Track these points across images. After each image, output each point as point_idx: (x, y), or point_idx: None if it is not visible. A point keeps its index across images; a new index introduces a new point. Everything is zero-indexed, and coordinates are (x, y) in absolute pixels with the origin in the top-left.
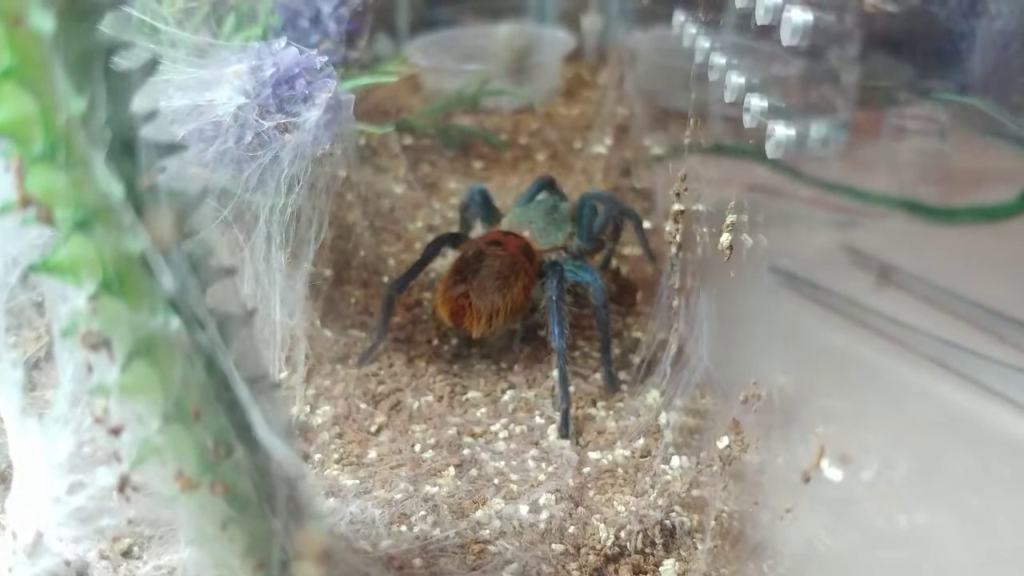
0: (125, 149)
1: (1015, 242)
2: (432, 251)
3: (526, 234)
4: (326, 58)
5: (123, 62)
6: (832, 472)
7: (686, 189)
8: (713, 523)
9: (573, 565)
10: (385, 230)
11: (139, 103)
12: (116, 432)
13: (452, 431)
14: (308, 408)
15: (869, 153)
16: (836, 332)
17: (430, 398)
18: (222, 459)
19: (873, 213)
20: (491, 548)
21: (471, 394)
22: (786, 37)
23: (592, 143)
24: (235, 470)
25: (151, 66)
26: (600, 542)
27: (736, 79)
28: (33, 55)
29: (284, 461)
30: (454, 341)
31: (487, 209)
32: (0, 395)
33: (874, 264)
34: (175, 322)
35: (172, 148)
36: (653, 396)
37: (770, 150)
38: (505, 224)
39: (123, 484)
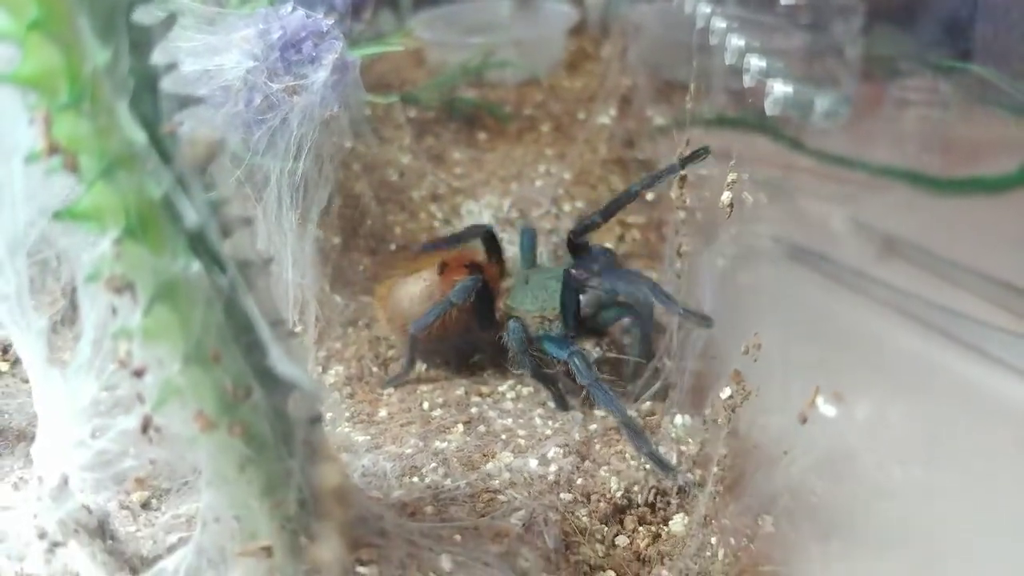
0: (147, 98)
1: (1016, 212)
2: (466, 233)
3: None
4: (332, 21)
5: (144, 16)
6: (826, 409)
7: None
8: (716, 469)
9: (583, 512)
10: (390, 200)
11: (158, 56)
12: (139, 374)
13: (460, 391)
14: (320, 369)
15: (872, 125)
16: (836, 297)
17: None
18: (240, 400)
19: (876, 185)
20: (500, 497)
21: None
22: None
23: (596, 114)
24: (253, 411)
25: (170, 21)
26: (610, 491)
27: (736, 41)
28: (59, 8)
29: (308, 390)
30: None
31: (526, 251)
32: (25, 345)
33: (877, 235)
34: (195, 266)
35: (190, 100)
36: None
37: (769, 107)
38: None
39: (146, 425)
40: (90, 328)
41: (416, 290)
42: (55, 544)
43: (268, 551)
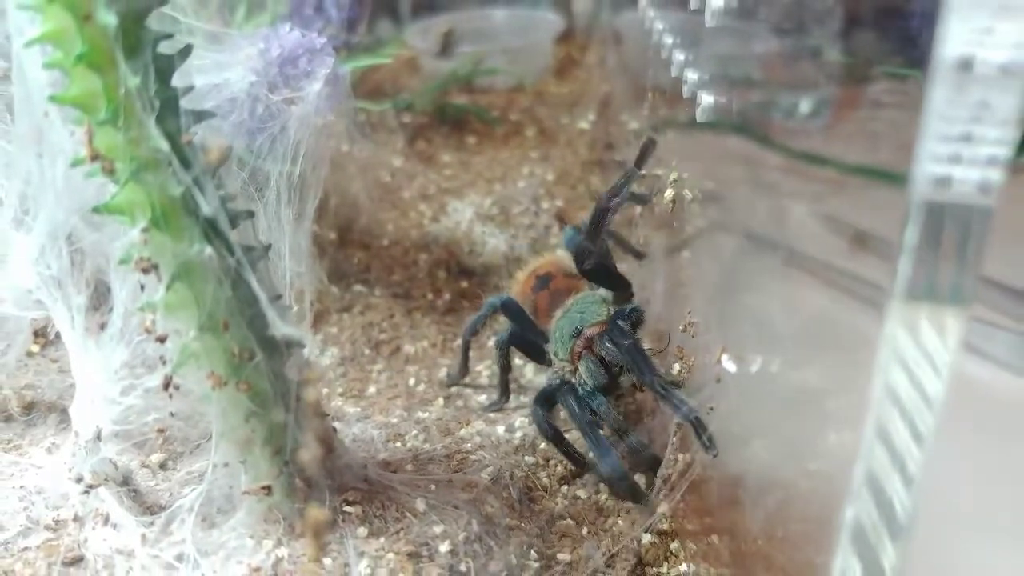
0: (169, 114)
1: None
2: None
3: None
4: (325, 39)
5: (166, 48)
6: (728, 364)
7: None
8: (674, 439)
9: (543, 474)
10: (383, 199)
11: (178, 80)
12: (162, 340)
13: (442, 371)
14: (318, 351)
15: (847, 126)
16: (800, 285)
17: (425, 344)
18: (245, 362)
19: (849, 183)
20: (472, 457)
21: (460, 341)
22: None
23: (578, 119)
24: (256, 372)
25: (186, 52)
26: None
27: (678, 56)
28: (99, 44)
29: (298, 342)
30: (447, 296)
31: None
32: (65, 320)
33: (848, 230)
34: (208, 250)
35: (204, 114)
36: None
37: (699, 115)
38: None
39: (167, 383)
40: (120, 303)
41: (517, 282)
42: (90, 486)
43: (268, 490)
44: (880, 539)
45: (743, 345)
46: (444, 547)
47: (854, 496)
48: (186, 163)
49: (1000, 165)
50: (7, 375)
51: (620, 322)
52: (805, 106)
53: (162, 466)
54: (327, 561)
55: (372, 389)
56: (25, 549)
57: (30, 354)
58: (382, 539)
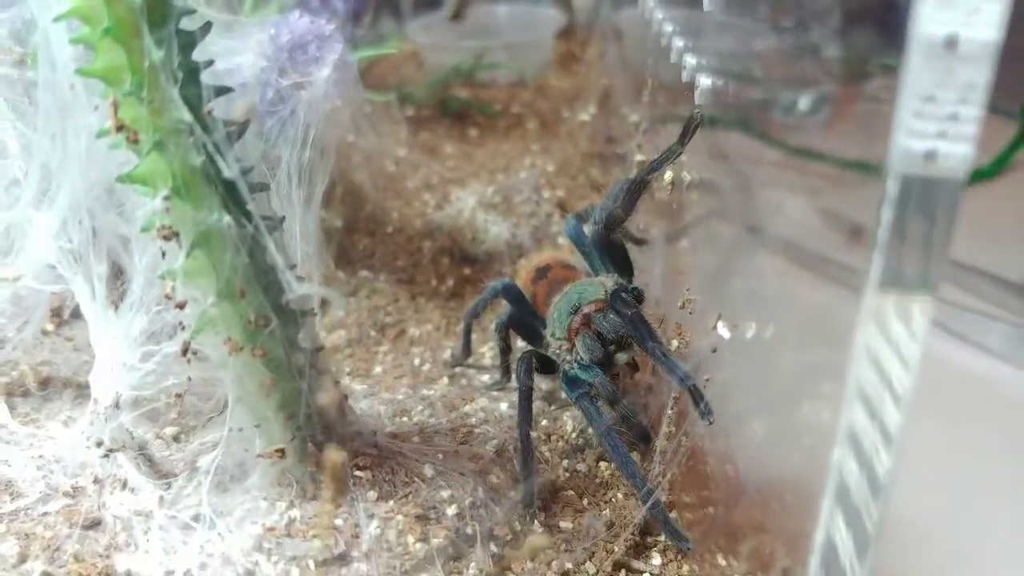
0: (191, 86)
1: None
2: None
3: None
4: (333, 26)
5: (188, 24)
6: (723, 331)
7: (647, 140)
8: (669, 412)
9: (545, 448)
10: (388, 188)
11: (198, 54)
12: (181, 307)
13: (446, 353)
14: (325, 333)
15: (846, 123)
16: (796, 278)
17: (429, 327)
18: (261, 329)
19: (847, 178)
20: (476, 431)
21: (462, 324)
22: None
23: (579, 113)
24: (271, 339)
25: (207, 27)
26: (567, 433)
27: (677, 42)
28: (125, 18)
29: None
30: (451, 282)
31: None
32: (85, 290)
33: (845, 224)
34: (227, 219)
35: (223, 89)
36: None
37: (698, 97)
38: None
39: (185, 349)
40: (139, 273)
41: (519, 276)
42: (110, 450)
43: (282, 453)
44: (863, 497)
45: (740, 333)
46: (451, 510)
47: (838, 449)
48: (207, 131)
49: (972, 140)
50: (24, 351)
51: (624, 295)
52: (804, 103)
53: (175, 438)
54: (338, 522)
55: (378, 369)
56: (45, 514)
57: (45, 332)
58: (391, 502)
